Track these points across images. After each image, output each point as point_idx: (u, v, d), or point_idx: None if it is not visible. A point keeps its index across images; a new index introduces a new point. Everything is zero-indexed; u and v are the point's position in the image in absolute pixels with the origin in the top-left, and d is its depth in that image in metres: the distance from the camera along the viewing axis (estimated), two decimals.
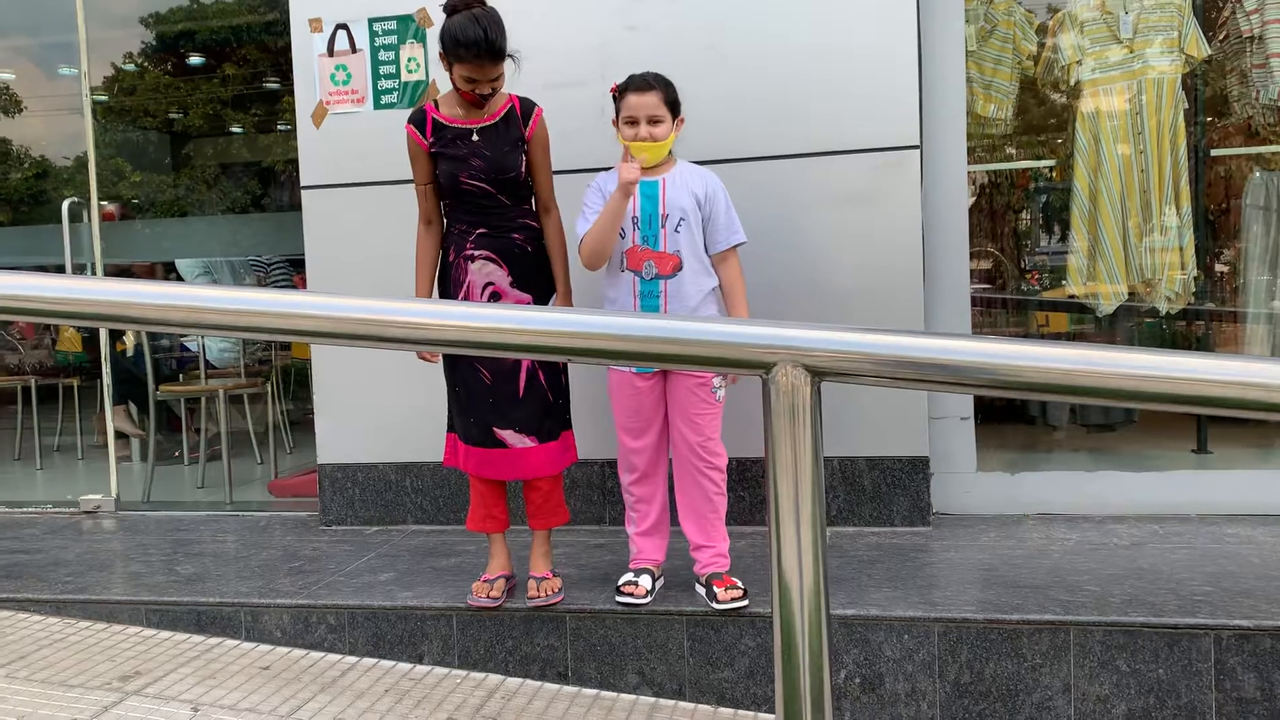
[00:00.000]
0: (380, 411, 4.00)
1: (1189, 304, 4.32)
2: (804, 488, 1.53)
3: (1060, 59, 4.26)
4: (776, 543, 1.55)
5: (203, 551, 3.85)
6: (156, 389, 5.00)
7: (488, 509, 3.15)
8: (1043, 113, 5.06)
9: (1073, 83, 4.25)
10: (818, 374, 1.52)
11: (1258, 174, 4.60)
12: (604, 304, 3.09)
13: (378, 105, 3.94)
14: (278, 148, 7.26)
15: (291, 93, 4.06)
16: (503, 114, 3.01)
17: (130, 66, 7.37)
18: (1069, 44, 4.22)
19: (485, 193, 2.98)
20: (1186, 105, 4.19)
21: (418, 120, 3.02)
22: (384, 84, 3.92)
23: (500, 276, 3.01)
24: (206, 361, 5.35)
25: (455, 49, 2.84)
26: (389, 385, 3.95)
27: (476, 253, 3.01)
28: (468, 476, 3.16)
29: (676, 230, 2.96)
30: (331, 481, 4.06)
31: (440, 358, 3.12)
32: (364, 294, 1.73)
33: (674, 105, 2.99)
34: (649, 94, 2.93)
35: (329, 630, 3.18)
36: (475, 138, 2.97)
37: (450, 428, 3.14)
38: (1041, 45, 4.40)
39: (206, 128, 7.59)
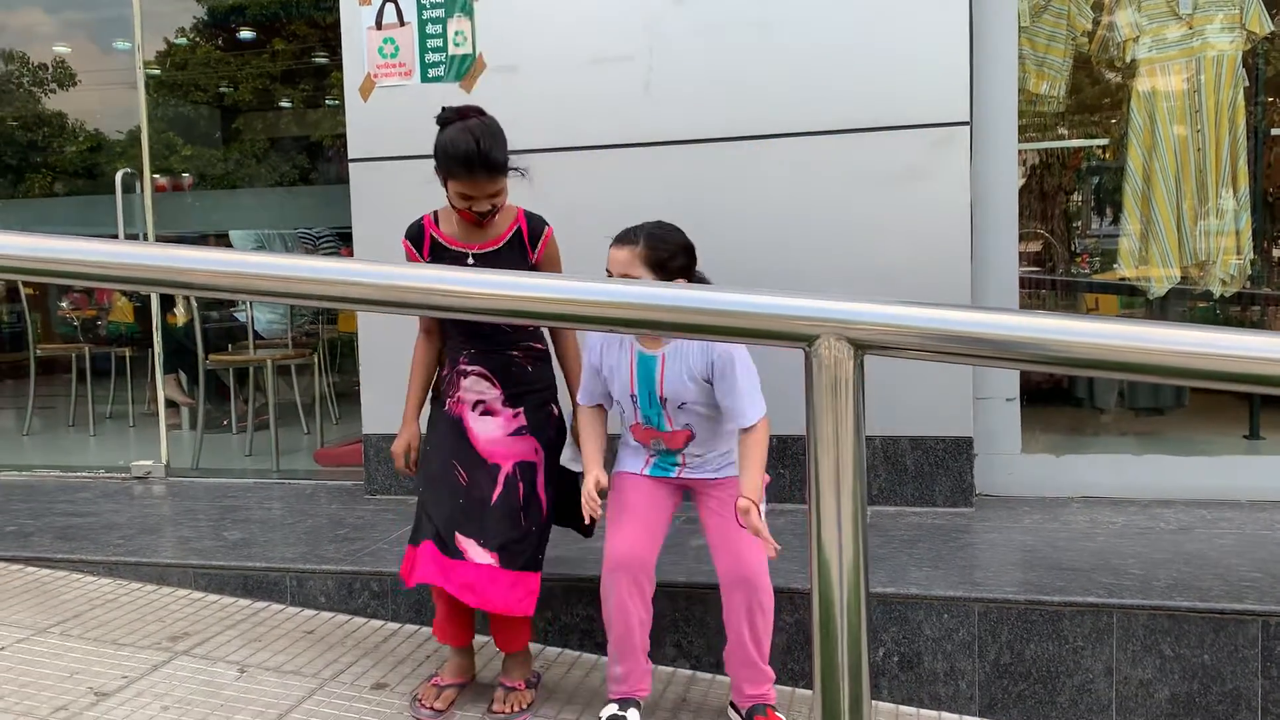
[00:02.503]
0: None
1: (1244, 288, 4.23)
2: (845, 461, 1.52)
3: (1116, 36, 4.17)
4: (816, 517, 1.55)
5: (250, 518, 3.92)
6: (206, 359, 5.08)
7: (455, 620, 2.75)
8: (1097, 91, 4.96)
9: (1129, 60, 4.16)
10: (861, 347, 1.51)
11: None
12: (620, 449, 2.70)
13: (425, 78, 3.95)
14: (326, 122, 7.33)
15: (339, 68, 4.09)
16: (507, 239, 2.69)
17: (182, 41, 7.46)
18: (1126, 20, 4.13)
19: (477, 323, 2.67)
20: (1247, 83, 4.09)
21: (414, 236, 2.72)
22: (431, 57, 3.94)
23: (493, 396, 2.71)
24: (255, 332, 5.42)
25: (447, 163, 2.55)
26: None
27: (470, 368, 2.73)
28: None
29: (680, 408, 2.56)
30: (376, 451, 4.11)
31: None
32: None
33: (661, 266, 2.46)
34: (624, 248, 2.48)
35: (372, 596, 3.23)
36: (470, 262, 2.66)
37: (411, 541, 2.72)
38: (1097, 22, 4.31)
39: (256, 102, 7.67)
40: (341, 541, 3.53)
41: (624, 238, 2.52)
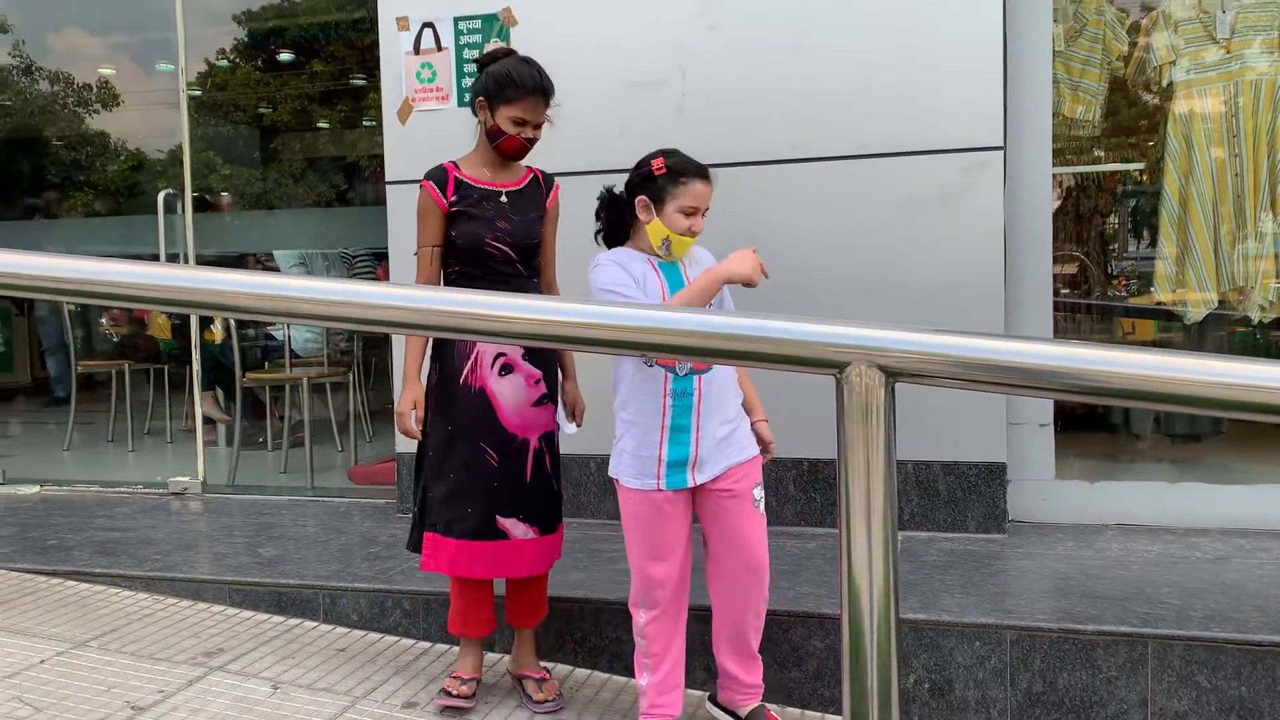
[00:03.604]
0: None
1: None
2: (876, 488, 1.53)
3: (1153, 59, 4.16)
4: (847, 543, 1.55)
5: (284, 535, 3.96)
6: (243, 377, 5.15)
7: (477, 611, 2.82)
8: (1133, 114, 4.93)
9: (1165, 84, 4.15)
10: (892, 374, 1.51)
11: None
12: (618, 424, 2.59)
13: (462, 103, 4.00)
14: (363, 143, 7.42)
15: (376, 89, 4.15)
16: (528, 180, 2.84)
17: (223, 63, 7.59)
18: (1162, 44, 4.12)
19: (507, 258, 2.74)
20: None
21: (438, 178, 2.76)
22: (468, 82, 3.99)
23: (514, 349, 2.73)
24: (291, 351, 5.49)
25: (506, 89, 2.69)
26: None
27: None
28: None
29: None
30: (409, 470, 4.14)
31: (421, 433, 2.77)
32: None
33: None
34: (710, 184, 2.57)
35: (404, 615, 3.25)
36: (504, 199, 2.77)
37: (430, 526, 2.77)
38: (1133, 45, 4.29)
39: (294, 123, 7.78)
40: (374, 560, 3.56)
41: (708, 174, 2.57)
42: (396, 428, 2.79)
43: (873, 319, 1.59)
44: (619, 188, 2.65)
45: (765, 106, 3.73)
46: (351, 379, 5.62)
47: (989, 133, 3.53)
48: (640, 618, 2.59)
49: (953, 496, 3.63)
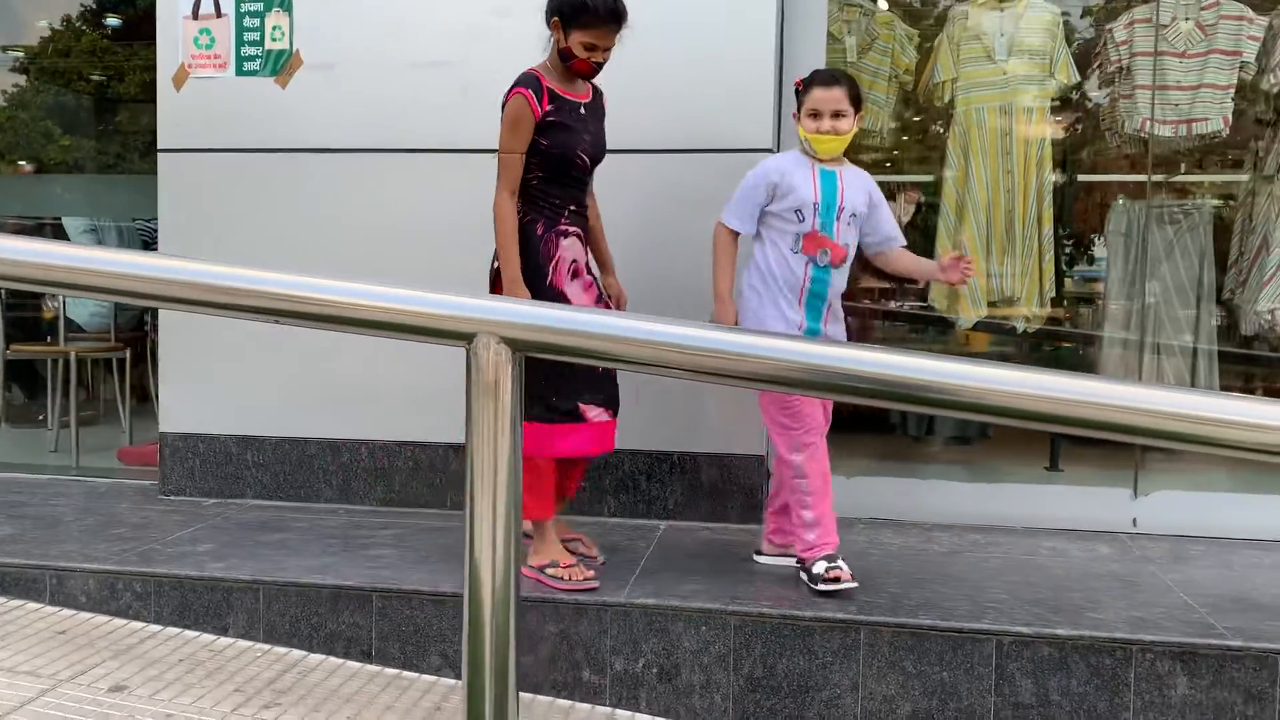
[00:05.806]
0: (225, 382, 3.93)
1: (1046, 325, 4.41)
2: (501, 463, 1.53)
3: (936, 75, 4.32)
4: (471, 518, 1.55)
5: (26, 514, 3.75)
6: (7, 349, 4.87)
7: (560, 481, 3.13)
8: (920, 127, 5.13)
9: (947, 100, 4.31)
10: (518, 347, 1.52)
11: (1120, 201, 4.71)
12: (748, 293, 3.13)
13: (240, 72, 3.87)
14: None
15: None
16: (592, 93, 3.08)
17: (49, 23, 7.24)
18: (945, 62, 4.28)
19: (585, 169, 3.02)
20: (1055, 129, 4.27)
21: (534, 86, 2.91)
22: (248, 50, 3.86)
23: (581, 255, 3.04)
24: (71, 324, 5.21)
25: (582, 14, 2.86)
26: (236, 356, 3.89)
27: (570, 229, 3.01)
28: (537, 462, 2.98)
29: (848, 224, 3.07)
30: (172, 451, 3.99)
31: None
32: (216, 259, 1.65)
33: (857, 101, 3.06)
34: (835, 88, 3.01)
35: (135, 598, 3.12)
36: (582, 111, 3.00)
37: (577, 417, 2.96)
38: (920, 62, 4.46)
39: (140, 94, 7.50)
40: (115, 540, 3.41)
41: (830, 79, 3.06)
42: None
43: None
44: None
45: None
46: (132, 354, 5.34)
47: (759, 133, 3.60)
48: (814, 469, 2.98)
49: (715, 488, 3.70)
